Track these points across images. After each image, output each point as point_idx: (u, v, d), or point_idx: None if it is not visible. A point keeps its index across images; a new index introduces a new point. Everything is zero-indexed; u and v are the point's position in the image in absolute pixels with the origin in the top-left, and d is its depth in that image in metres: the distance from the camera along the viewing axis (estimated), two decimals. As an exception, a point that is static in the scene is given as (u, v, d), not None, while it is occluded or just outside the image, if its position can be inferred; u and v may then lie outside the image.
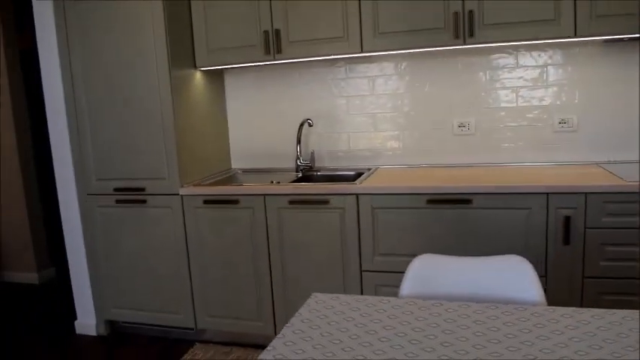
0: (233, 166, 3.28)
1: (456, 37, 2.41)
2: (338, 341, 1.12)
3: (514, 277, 1.29)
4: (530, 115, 2.69)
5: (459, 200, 2.29)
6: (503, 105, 2.73)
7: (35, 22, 2.85)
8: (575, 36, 2.27)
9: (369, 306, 1.30)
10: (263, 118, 3.16)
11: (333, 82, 2.98)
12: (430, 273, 1.36)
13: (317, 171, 3.02)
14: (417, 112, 2.87)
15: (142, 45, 2.67)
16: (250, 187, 2.61)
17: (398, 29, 2.49)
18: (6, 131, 3.88)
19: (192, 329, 2.88)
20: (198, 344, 2.84)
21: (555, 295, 2.22)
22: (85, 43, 2.77)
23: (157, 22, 2.62)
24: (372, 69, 2.91)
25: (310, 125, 2.98)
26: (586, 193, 2.14)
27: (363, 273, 2.51)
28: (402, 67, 2.86)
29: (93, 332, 3.08)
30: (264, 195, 2.58)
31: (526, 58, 2.66)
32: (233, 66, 2.85)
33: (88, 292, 3.04)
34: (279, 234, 2.60)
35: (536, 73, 2.65)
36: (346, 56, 2.64)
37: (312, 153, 3.07)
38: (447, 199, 2.31)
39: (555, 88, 2.64)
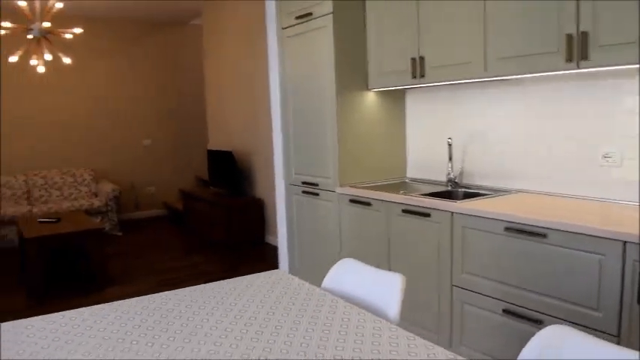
0: (408, 175, 3.68)
1: (569, 60, 2.26)
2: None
3: (385, 291, 1.48)
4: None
5: (534, 233, 2.20)
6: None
7: (269, 53, 3.93)
8: None
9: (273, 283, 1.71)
10: (434, 134, 3.44)
11: (494, 103, 3.03)
12: (343, 273, 1.66)
13: (463, 187, 3.16)
14: (566, 138, 2.68)
15: (319, 72, 3.40)
16: (378, 193, 3.03)
17: (516, 54, 2.47)
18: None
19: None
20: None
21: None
22: (294, 70, 3.68)
23: (328, 55, 3.30)
24: (527, 91, 2.85)
25: (449, 145, 3.14)
26: (670, 248, 1.79)
27: (453, 287, 2.63)
28: (552, 90, 2.72)
29: (286, 289, 4.03)
30: (387, 202, 2.97)
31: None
32: (412, 86, 3.21)
33: (285, 253, 3.99)
34: (395, 236, 2.94)
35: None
36: (500, 79, 2.71)
37: (461, 169, 3.21)
38: (523, 229, 2.25)
39: None
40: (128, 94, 7.04)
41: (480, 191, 3.00)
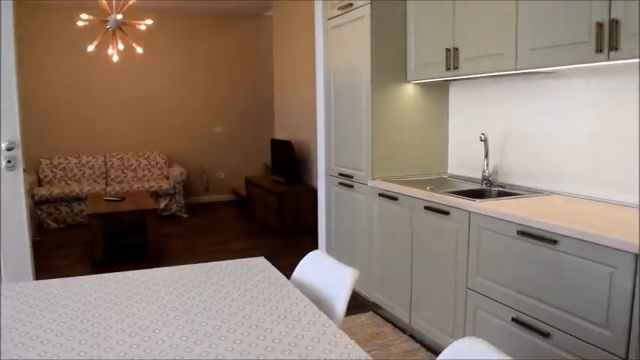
0: (449, 172, 3.54)
1: (599, 50, 2.05)
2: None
3: (338, 285, 1.45)
4: None
5: (545, 238, 2.03)
6: None
7: (315, 44, 3.93)
8: None
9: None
10: (474, 130, 3.27)
11: (534, 98, 2.82)
12: (309, 264, 1.65)
13: (498, 186, 2.98)
14: (606, 138, 2.44)
15: (357, 63, 3.36)
16: (404, 188, 2.95)
17: (546, 45, 2.28)
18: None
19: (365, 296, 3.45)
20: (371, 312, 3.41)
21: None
22: (336, 61, 3.67)
23: (365, 46, 3.24)
24: (572, 85, 2.61)
25: (481, 140, 2.96)
26: (685, 265, 1.58)
27: (467, 290, 2.50)
28: (593, 84, 2.48)
29: (322, 280, 4.05)
30: (412, 197, 2.88)
31: None
32: (456, 78, 3.01)
33: (324, 243, 4.01)
34: (418, 232, 2.85)
35: None
36: (538, 71, 2.50)
37: (495, 167, 3.03)
38: (534, 234, 2.08)
39: None
40: (202, 83, 7.38)
41: (513, 191, 2.82)
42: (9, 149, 2.81)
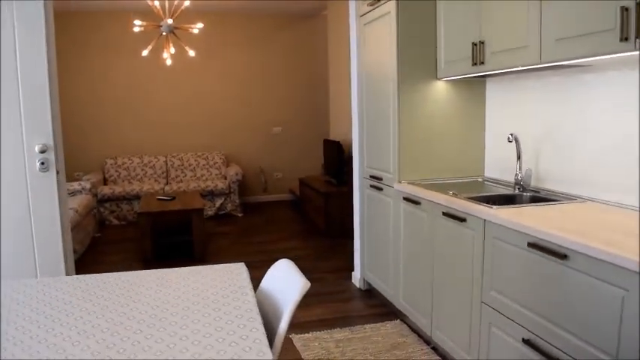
0: (486, 174, 3.29)
1: (625, 39, 1.79)
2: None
3: (288, 297, 1.36)
4: None
5: (555, 252, 1.81)
6: None
7: (350, 42, 3.83)
8: None
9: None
10: (511, 129, 3.02)
11: (574, 94, 2.53)
12: (274, 273, 1.57)
13: (532, 191, 2.72)
14: (645, 138, 2.14)
15: (385, 60, 3.22)
16: (426, 192, 2.77)
17: (568, 34, 2.04)
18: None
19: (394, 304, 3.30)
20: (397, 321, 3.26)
21: None
22: (367, 58, 3.55)
23: (391, 42, 3.10)
24: (610, 79, 2.32)
25: (510, 141, 2.71)
26: (702, 291, 1.33)
27: (482, 305, 2.30)
28: (630, 77, 2.19)
29: (357, 284, 3.93)
30: (432, 202, 2.70)
31: None
32: (485, 73, 2.78)
33: (358, 246, 3.89)
34: (438, 239, 2.68)
35: None
36: (569, 63, 2.22)
37: (528, 170, 2.76)
38: (544, 246, 1.86)
39: None
40: (262, 84, 7.47)
41: (547, 197, 2.56)
42: (42, 152, 2.97)
